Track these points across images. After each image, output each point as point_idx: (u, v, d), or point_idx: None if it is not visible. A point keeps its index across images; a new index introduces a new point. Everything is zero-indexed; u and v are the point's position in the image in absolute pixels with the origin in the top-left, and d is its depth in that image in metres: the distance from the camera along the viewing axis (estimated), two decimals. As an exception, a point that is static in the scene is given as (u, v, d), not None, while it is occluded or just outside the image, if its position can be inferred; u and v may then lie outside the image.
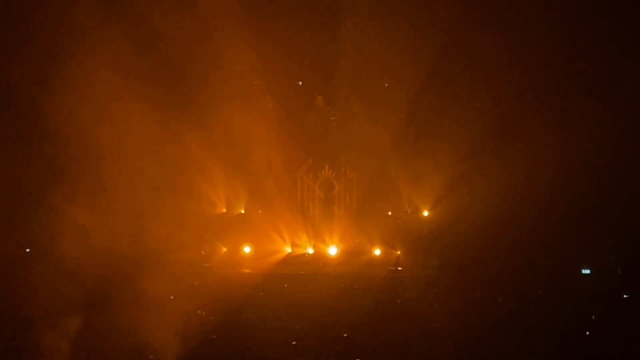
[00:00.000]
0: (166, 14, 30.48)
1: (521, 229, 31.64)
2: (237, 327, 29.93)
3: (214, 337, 29.45)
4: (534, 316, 30.07)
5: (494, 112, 31.59)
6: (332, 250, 33.45)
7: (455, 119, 32.29)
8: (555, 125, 31.51)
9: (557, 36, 31.07)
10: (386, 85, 33.65)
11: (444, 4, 32.04)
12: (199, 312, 29.89)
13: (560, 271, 31.46)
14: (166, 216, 30.62)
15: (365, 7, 32.46)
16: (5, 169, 29.46)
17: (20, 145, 30.18)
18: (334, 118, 34.52)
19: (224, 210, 33.36)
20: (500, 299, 31.08)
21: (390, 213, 34.30)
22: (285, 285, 32.24)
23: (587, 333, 29.56)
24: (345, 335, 30.01)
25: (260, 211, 33.67)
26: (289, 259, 33.27)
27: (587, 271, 31.70)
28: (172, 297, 29.68)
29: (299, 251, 33.44)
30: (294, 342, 29.71)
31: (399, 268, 32.94)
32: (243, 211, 33.67)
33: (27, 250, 31.02)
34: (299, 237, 33.40)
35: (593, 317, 29.97)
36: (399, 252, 33.07)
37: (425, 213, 33.82)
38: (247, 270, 33.01)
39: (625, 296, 30.81)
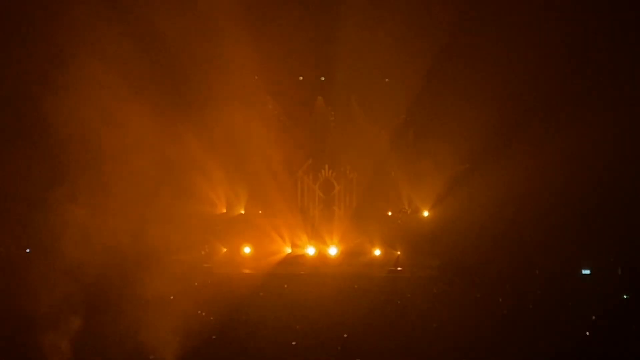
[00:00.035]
0: (166, 14, 30.47)
1: (521, 229, 31.64)
2: (237, 327, 29.87)
3: (214, 337, 29.41)
4: (534, 316, 30.02)
5: (494, 112, 31.58)
6: (332, 251, 33.45)
7: (455, 119, 32.27)
8: (555, 125, 31.56)
9: (558, 36, 31.08)
10: (386, 81, 33.66)
11: (444, 4, 32.06)
12: (199, 312, 29.87)
13: (560, 271, 31.47)
14: (166, 216, 30.60)
15: (365, 8, 32.47)
16: (5, 168, 29.45)
17: (21, 145, 30.16)
18: (334, 118, 34.54)
19: (224, 211, 33.36)
20: (500, 299, 31.07)
21: (390, 213, 34.31)
22: (285, 286, 32.20)
23: (587, 333, 29.53)
24: (345, 335, 29.99)
25: (260, 211, 33.69)
26: (289, 260, 33.28)
27: (587, 271, 31.71)
28: (172, 297, 29.66)
29: (299, 251, 33.44)
30: (294, 342, 29.69)
31: (399, 268, 32.93)
32: (243, 211, 33.67)
33: (28, 250, 31.02)
34: (299, 237, 33.39)
35: (593, 317, 29.93)
36: (399, 253, 33.07)
37: (425, 213, 33.83)
38: (247, 271, 33.00)
39: (625, 296, 30.80)
